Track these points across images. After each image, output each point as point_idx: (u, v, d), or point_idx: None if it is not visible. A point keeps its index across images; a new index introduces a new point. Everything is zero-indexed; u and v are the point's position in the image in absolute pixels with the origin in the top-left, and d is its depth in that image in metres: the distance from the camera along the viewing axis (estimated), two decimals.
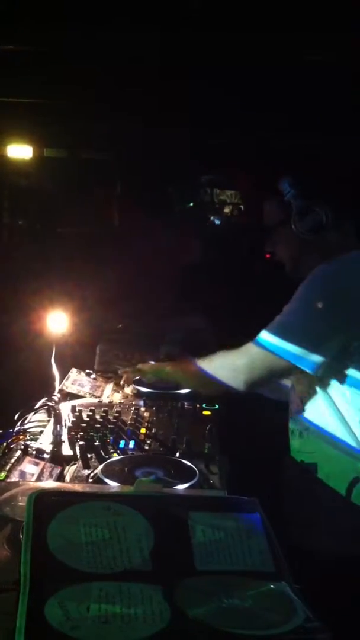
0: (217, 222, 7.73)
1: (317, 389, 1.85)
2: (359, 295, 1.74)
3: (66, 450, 1.89)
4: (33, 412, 2.22)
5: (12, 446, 1.90)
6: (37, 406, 2.26)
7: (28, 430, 2.06)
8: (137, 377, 2.47)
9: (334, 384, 1.80)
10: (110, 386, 2.56)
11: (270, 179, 1.98)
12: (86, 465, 1.80)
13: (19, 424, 2.12)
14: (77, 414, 2.14)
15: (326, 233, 1.88)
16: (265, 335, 1.84)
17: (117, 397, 2.44)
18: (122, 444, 1.96)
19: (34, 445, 1.91)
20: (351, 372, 1.76)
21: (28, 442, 1.93)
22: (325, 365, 1.76)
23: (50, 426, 2.03)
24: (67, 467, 1.80)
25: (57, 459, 1.83)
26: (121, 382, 2.51)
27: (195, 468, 1.75)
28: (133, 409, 2.28)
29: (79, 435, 1.98)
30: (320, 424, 1.85)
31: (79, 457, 1.85)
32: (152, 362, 2.45)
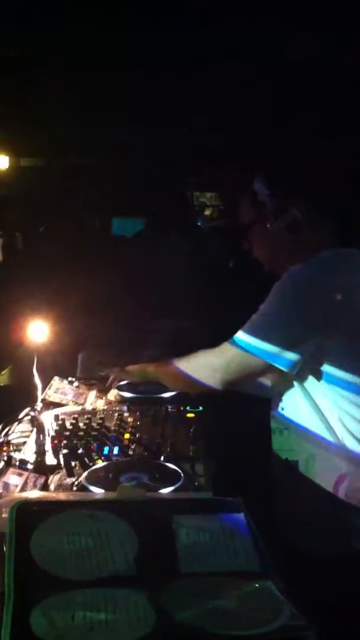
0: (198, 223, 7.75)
1: (295, 387, 1.86)
2: (334, 294, 1.75)
3: (50, 459, 1.88)
4: (17, 423, 2.21)
5: None
6: (20, 416, 2.25)
7: (11, 441, 2.05)
8: (122, 381, 2.47)
9: (312, 382, 1.81)
10: (93, 393, 2.55)
11: (246, 178, 1.99)
12: (70, 474, 1.79)
13: (2, 435, 2.10)
14: (60, 422, 2.13)
15: (301, 232, 1.88)
16: (241, 335, 1.85)
17: (101, 404, 2.44)
18: (106, 450, 1.95)
19: (18, 456, 1.89)
20: (328, 369, 1.77)
21: (11, 454, 1.92)
22: (302, 363, 1.77)
23: (34, 436, 2.02)
24: (51, 477, 1.79)
25: (41, 469, 1.81)
26: (107, 384, 2.50)
27: (179, 471, 1.75)
28: (117, 414, 2.27)
29: (62, 444, 1.97)
30: (300, 421, 1.86)
31: (62, 465, 1.84)
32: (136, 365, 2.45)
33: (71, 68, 3.99)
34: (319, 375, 1.79)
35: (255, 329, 1.83)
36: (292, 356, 1.76)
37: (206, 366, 1.98)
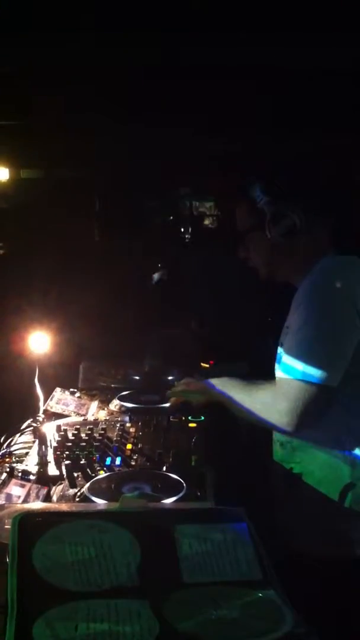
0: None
1: None
2: (354, 300, 1.72)
3: (52, 470, 1.88)
4: (19, 434, 2.21)
5: None
6: (22, 427, 2.26)
7: (13, 452, 2.06)
8: (128, 392, 2.46)
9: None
10: (95, 404, 2.56)
11: (243, 184, 1.98)
12: (72, 485, 1.80)
13: (4, 446, 2.11)
14: (63, 433, 2.14)
15: (299, 238, 1.88)
16: (292, 363, 1.71)
17: (102, 414, 2.44)
18: (108, 460, 1.96)
19: (20, 467, 1.90)
20: (343, 379, 1.72)
21: (14, 465, 1.93)
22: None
23: (36, 447, 2.03)
24: (53, 488, 1.79)
25: (44, 480, 1.82)
26: (167, 404, 2.32)
27: (182, 481, 1.75)
28: (119, 425, 2.27)
29: (64, 455, 1.98)
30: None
31: (65, 476, 1.84)
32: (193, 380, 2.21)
33: (70, 83, 4.01)
34: (355, 384, 1.73)
35: (308, 347, 1.70)
36: (341, 372, 1.69)
37: (273, 410, 1.74)
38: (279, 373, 1.80)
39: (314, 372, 1.68)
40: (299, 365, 1.70)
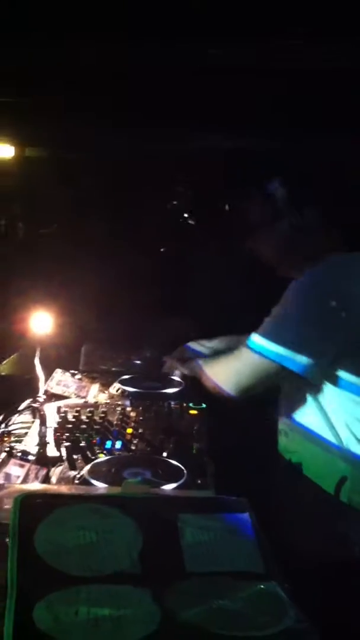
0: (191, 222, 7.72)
1: (304, 390, 1.85)
2: (347, 298, 1.74)
3: (52, 451, 1.87)
4: (17, 414, 2.20)
5: None
6: (21, 407, 2.24)
7: (12, 432, 2.04)
8: (130, 376, 2.48)
9: (323, 385, 1.80)
10: (96, 386, 2.54)
11: (255, 178, 1.97)
12: (72, 467, 1.78)
13: (3, 425, 2.09)
14: (63, 414, 2.12)
15: (310, 234, 1.87)
16: (255, 338, 1.82)
17: (103, 398, 2.43)
18: (108, 444, 1.94)
19: (19, 447, 1.89)
20: (342, 374, 1.75)
21: (13, 444, 1.91)
22: (316, 368, 1.75)
23: (36, 427, 2.01)
24: (52, 469, 1.78)
25: (43, 461, 1.80)
26: (165, 368, 2.56)
27: (183, 468, 1.74)
28: (119, 409, 2.26)
29: (64, 436, 1.96)
30: (306, 424, 1.85)
31: (64, 458, 1.83)
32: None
33: (77, 69, 3.97)
34: (333, 380, 1.77)
35: (268, 331, 1.80)
36: (305, 360, 1.73)
37: (225, 370, 1.95)
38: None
39: (267, 345, 1.77)
40: (257, 338, 1.81)
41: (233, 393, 1.87)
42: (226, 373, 1.92)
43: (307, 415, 1.84)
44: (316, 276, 1.78)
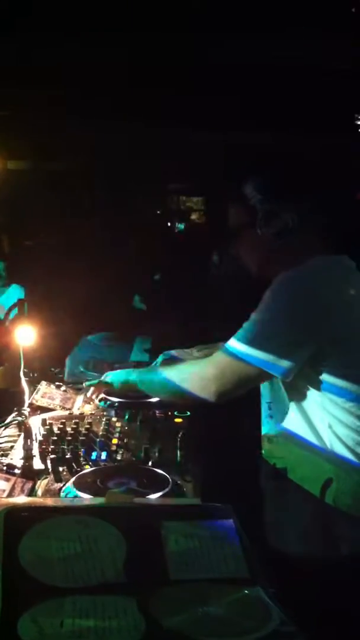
0: (181, 227, 7.78)
1: (285, 393, 1.85)
2: (327, 301, 1.75)
3: (37, 464, 1.87)
4: (3, 427, 2.20)
5: None
6: (6, 421, 2.24)
7: None
8: (105, 389, 2.45)
9: (302, 388, 1.81)
10: (81, 398, 2.54)
11: (236, 182, 1.98)
12: (58, 479, 1.79)
13: None
14: (48, 427, 2.12)
15: (292, 237, 1.88)
16: (233, 343, 1.81)
17: (88, 409, 2.43)
18: (94, 455, 1.95)
19: (5, 460, 1.89)
20: (323, 376, 1.76)
21: None
22: (296, 371, 1.76)
23: (21, 441, 2.01)
24: (38, 482, 1.78)
25: (29, 474, 1.81)
26: (88, 394, 2.48)
27: (168, 476, 1.75)
28: (104, 419, 2.26)
29: (50, 449, 1.96)
30: (289, 427, 1.85)
31: (50, 470, 1.83)
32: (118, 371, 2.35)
33: (60, 74, 3.99)
34: (314, 383, 1.78)
35: (248, 336, 1.79)
36: (286, 364, 1.73)
37: (198, 376, 1.90)
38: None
39: (247, 350, 1.76)
40: (235, 343, 1.80)
41: (212, 399, 1.85)
42: (202, 380, 1.87)
43: (290, 419, 1.85)
44: (296, 280, 1.78)
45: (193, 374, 1.93)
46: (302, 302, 1.75)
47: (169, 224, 7.84)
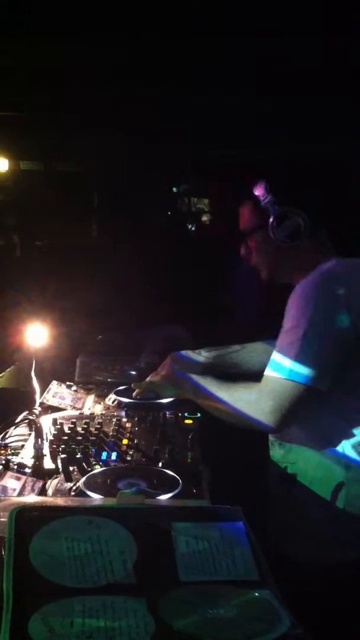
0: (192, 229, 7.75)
1: None
2: (352, 302, 1.71)
3: (48, 463, 1.88)
4: (14, 427, 2.21)
5: None
6: (17, 420, 2.25)
7: (9, 444, 2.05)
8: (125, 387, 2.44)
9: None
10: (91, 398, 2.55)
11: (248, 184, 1.98)
12: (68, 479, 1.79)
13: (0, 438, 2.10)
14: (59, 426, 2.13)
15: (303, 240, 1.87)
16: (283, 361, 1.72)
17: (99, 409, 2.43)
18: (104, 455, 1.95)
19: (15, 459, 1.89)
20: (338, 380, 1.72)
21: (9, 457, 1.92)
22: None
23: (32, 440, 2.02)
24: (49, 481, 1.79)
25: (39, 473, 1.81)
26: (134, 395, 2.35)
27: (178, 478, 1.75)
28: (115, 420, 2.27)
29: (60, 448, 1.97)
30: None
31: (60, 470, 1.84)
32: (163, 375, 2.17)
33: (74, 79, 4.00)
34: (347, 386, 1.74)
35: (293, 352, 1.71)
36: (329, 377, 1.69)
37: (255, 406, 1.75)
38: (267, 371, 1.79)
39: (302, 371, 1.69)
40: (287, 363, 1.71)
41: (275, 431, 1.78)
42: (261, 411, 1.74)
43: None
44: (321, 285, 1.76)
45: (249, 401, 1.79)
46: (332, 309, 1.71)
47: (188, 226, 7.81)
